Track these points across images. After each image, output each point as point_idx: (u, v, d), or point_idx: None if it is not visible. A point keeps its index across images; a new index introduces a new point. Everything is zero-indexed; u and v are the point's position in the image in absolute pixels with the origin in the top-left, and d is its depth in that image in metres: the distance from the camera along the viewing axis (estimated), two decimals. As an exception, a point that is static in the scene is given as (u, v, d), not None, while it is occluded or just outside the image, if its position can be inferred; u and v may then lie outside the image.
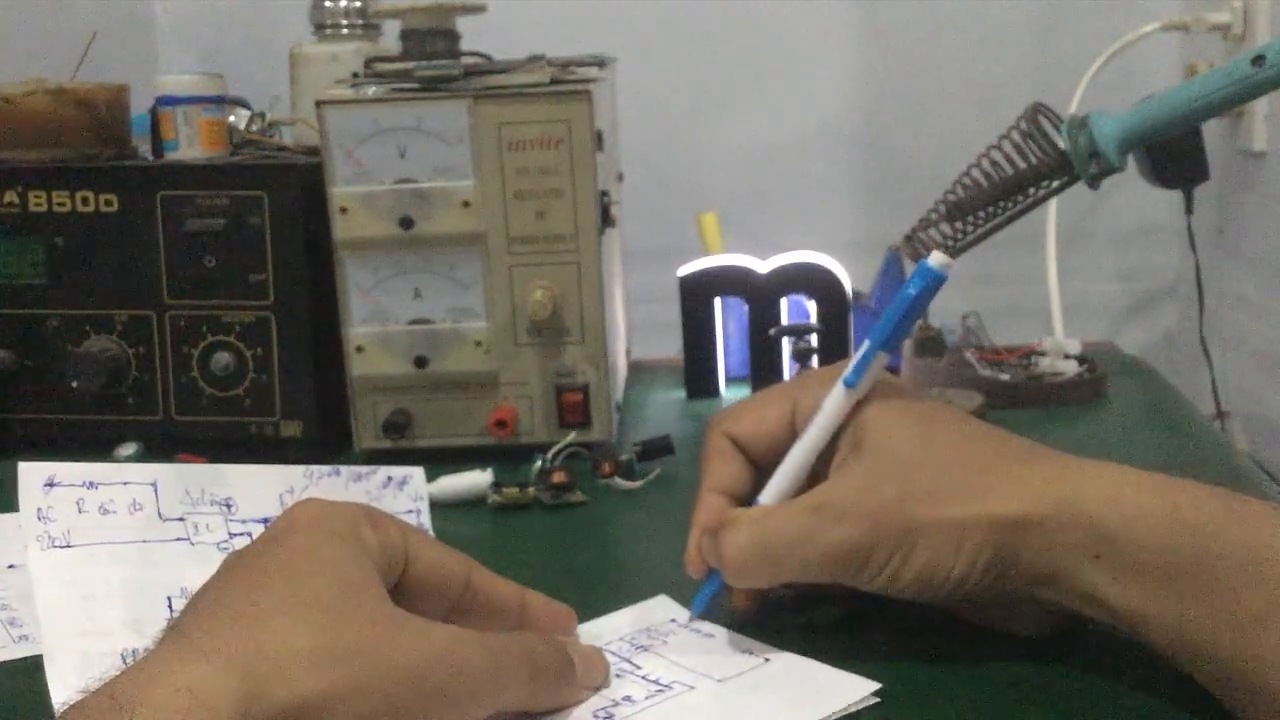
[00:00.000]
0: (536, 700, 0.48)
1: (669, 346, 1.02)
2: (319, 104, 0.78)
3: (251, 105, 1.00)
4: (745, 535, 0.52)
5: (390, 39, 0.95)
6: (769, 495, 0.55)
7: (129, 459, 0.84)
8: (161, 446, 0.85)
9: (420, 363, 0.81)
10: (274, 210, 0.83)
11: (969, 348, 0.99)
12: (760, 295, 0.94)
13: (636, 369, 1.05)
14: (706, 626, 0.56)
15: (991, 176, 0.84)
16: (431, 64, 0.79)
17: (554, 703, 0.49)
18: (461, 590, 0.50)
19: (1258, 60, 0.71)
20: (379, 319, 0.81)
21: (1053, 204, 1.05)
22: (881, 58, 1.42)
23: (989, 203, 0.85)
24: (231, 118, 0.96)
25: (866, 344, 0.53)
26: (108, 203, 0.85)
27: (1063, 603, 0.49)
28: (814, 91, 1.42)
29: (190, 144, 0.89)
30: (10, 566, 0.66)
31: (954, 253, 0.88)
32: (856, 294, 0.98)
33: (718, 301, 0.96)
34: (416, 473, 0.68)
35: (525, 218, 0.79)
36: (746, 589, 0.55)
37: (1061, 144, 0.80)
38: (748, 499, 0.56)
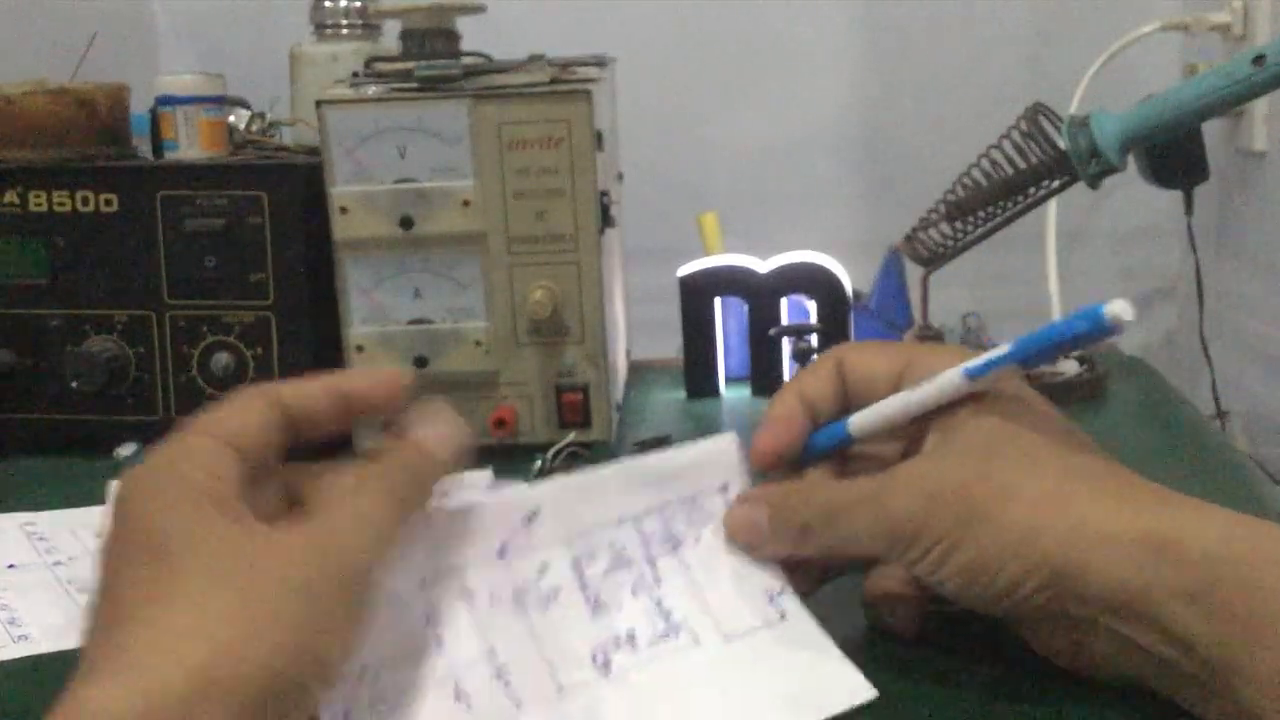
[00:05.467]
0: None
1: (669, 346, 1.02)
2: (319, 104, 0.78)
3: (251, 105, 1.00)
4: (817, 489, 0.52)
5: (390, 39, 0.94)
6: (858, 419, 0.54)
7: (129, 459, 0.84)
8: (161, 446, 0.85)
9: (420, 363, 0.81)
10: (274, 210, 0.83)
11: (969, 347, 0.99)
12: (760, 295, 0.94)
13: (636, 369, 1.05)
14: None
15: (991, 176, 0.84)
16: (431, 64, 0.79)
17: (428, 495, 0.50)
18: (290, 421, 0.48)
19: (1258, 60, 0.72)
20: (379, 319, 0.81)
21: (1053, 204, 1.04)
22: (881, 58, 1.42)
23: (989, 203, 0.85)
24: (231, 118, 0.96)
25: (1006, 348, 0.50)
26: (108, 203, 0.85)
27: (1140, 641, 0.44)
28: (814, 91, 1.42)
29: (190, 144, 0.89)
30: (10, 566, 0.66)
31: (954, 253, 0.89)
32: (856, 294, 0.98)
33: (718, 301, 0.96)
34: None
35: (525, 218, 0.79)
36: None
37: (1061, 144, 0.80)
38: (822, 421, 0.55)
